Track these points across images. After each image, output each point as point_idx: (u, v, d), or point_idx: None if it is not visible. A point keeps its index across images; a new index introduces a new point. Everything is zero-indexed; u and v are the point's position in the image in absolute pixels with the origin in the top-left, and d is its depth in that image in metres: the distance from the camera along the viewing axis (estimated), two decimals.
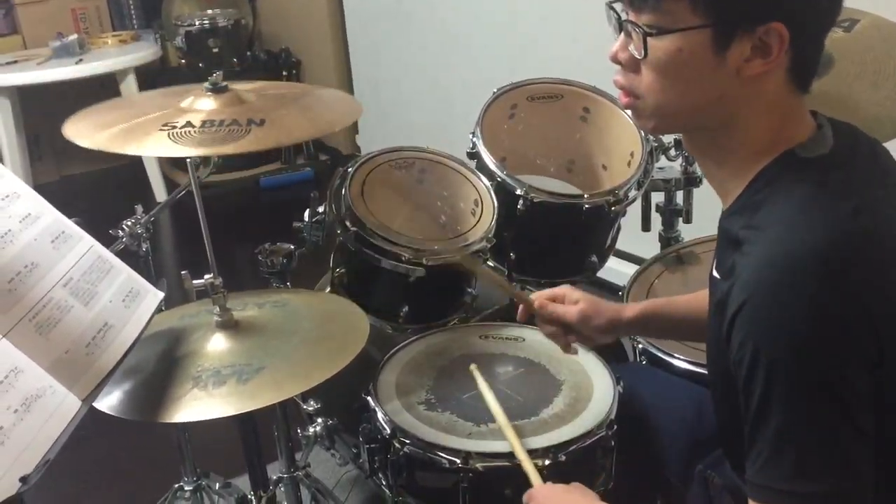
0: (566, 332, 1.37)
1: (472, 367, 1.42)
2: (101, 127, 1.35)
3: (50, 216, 1.13)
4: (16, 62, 3.87)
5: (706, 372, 1.44)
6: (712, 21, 0.88)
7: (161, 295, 1.21)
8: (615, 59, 0.98)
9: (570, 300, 1.35)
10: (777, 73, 0.91)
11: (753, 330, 0.85)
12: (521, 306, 1.41)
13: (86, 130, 1.35)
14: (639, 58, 0.93)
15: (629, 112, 1.80)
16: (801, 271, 0.83)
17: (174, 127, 1.33)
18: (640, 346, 1.60)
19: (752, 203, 0.92)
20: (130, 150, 1.30)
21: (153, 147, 1.31)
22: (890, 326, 0.84)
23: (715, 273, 1.01)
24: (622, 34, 0.96)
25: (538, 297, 1.38)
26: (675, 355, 1.54)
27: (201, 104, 1.43)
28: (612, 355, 1.69)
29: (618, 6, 0.96)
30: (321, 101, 1.59)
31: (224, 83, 1.45)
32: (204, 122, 1.35)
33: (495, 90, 1.87)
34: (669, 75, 0.93)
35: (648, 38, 0.91)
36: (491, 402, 1.33)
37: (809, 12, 0.89)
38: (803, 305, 0.82)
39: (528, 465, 1.20)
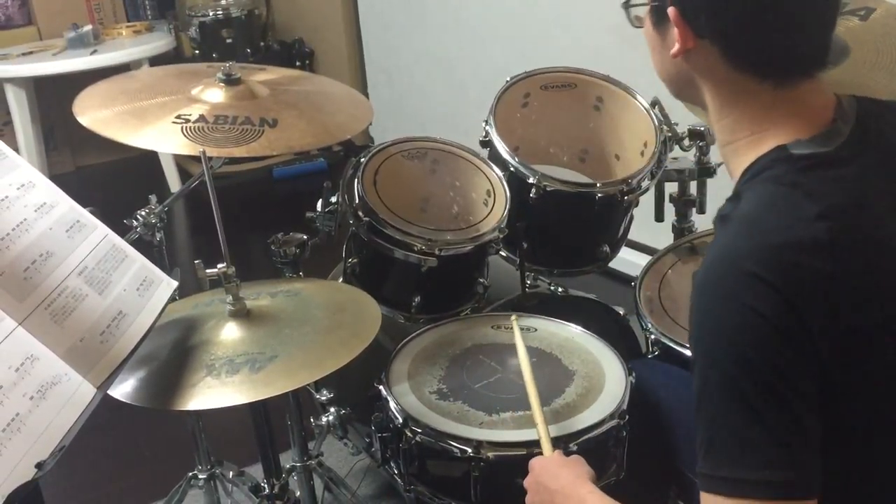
0: None
1: (513, 317, 1.45)
2: (110, 107, 1.37)
3: (65, 205, 1.14)
4: (31, 53, 3.90)
5: None
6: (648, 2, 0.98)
7: (175, 284, 1.22)
8: None
9: None
10: (709, 60, 0.93)
11: (695, 322, 0.87)
12: None
13: (95, 111, 1.36)
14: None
15: (642, 101, 1.81)
16: (740, 274, 0.83)
17: (187, 121, 1.35)
18: (653, 336, 1.60)
19: (736, 194, 0.94)
20: (144, 143, 1.32)
21: (167, 142, 1.33)
22: (833, 338, 0.83)
23: None
24: None
25: None
26: (688, 345, 1.53)
27: (213, 94, 1.44)
28: (625, 348, 1.69)
29: None
30: (334, 102, 1.59)
31: (237, 75, 1.45)
32: (217, 118, 1.36)
33: (508, 79, 1.86)
34: (647, 45, 1.02)
35: (627, 9, 1.03)
36: (523, 358, 1.33)
37: (707, 4, 0.91)
38: (737, 308, 0.83)
39: (543, 432, 1.21)
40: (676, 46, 0.94)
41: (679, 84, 1.01)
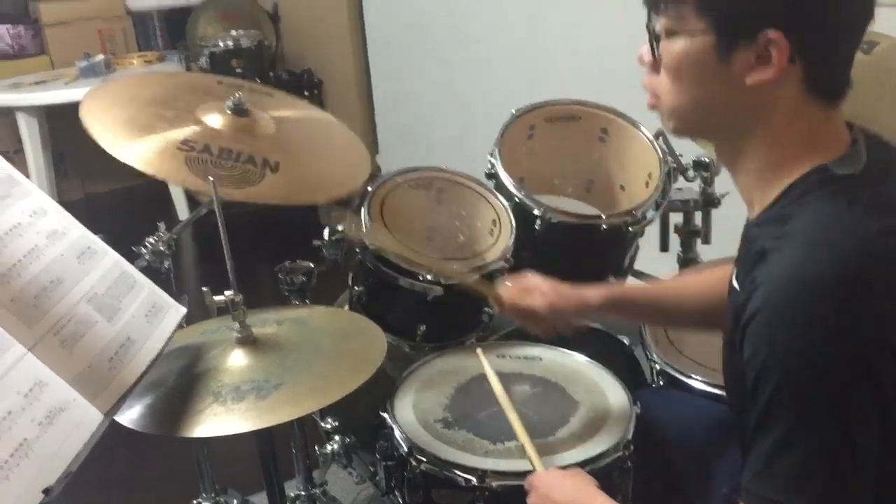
0: (541, 321, 1.42)
1: (478, 350, 1.48)
2: (117, 114, 1.37)
3: (76, 232, 1.15)
4: (43, 82, 3.95)
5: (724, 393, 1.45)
6: (714, 27, 0.91)
7: (183, 310, 1.23)
8: (641, 61, 1.01)
9: (539, 291, 1.40)
10: (789, 84, 0.91)
11: (764, 343, 0.85)
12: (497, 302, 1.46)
13: (103, 115, 1.37)
14: (652, 59, 0.97)
15: (647, 133, 1.82)
16: (816, 292, 0.82)
17: (192, 149, 1.35)
18: (658, 366, 1.60)
19: (780, 216, 0.92)
20: (148, 168, 1.31)
21: (170, 169, 1.33)
22: None
23: (734, 282, 1.01)
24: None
25: (508, 293, 1.43)
26: (693, 376, 1.53)
27: (221, 121, 1.44)
28: (629, 376, 1.69)
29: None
30: (335, 152, 1.60)
31: (246, 107, 1.46)
32: (221, 151, 1.36)
33: (514, 111, 1.88)
34: (680, 78, 0.96)
35: (660, 41, 0.95)
36: (496, 387, 1.38)
37: (815, 22, 0.89)
38: (816, 327, 0.82)
39: (531, 450, 1.22)
40: (761, 71, 0.89)
41: (722, 114, 0.96)
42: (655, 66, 0.98)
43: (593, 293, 1.38)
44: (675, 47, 0.94)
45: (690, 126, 1.02)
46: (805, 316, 0.83)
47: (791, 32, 0.87)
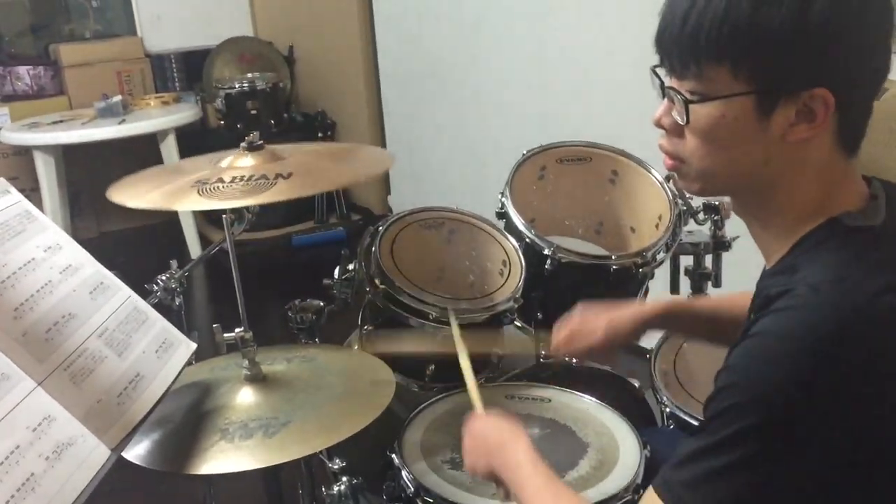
0: (608, 353, 1.39)
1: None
2: (141, 193, 1.39)
3: (90, 268, 1.16)
4: (61, 122, 4.01)
5: None
6: (755, 88, 0.88)
7: (193, 346, 1.23)
8: (659, 124, 0.98)
9: (588, 328, 1.38)
10: (824, 138, 0.90)
11: (738, 366, 0.86)
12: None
13: (127, 195, 1.39)
14: (681, 124, 0.93)
15: (657, 175, 1.82)
16: (797, 338, 0.83)
17: (205, 184, 1.37)
18: (668, 409, 1.59)
19: (790, 266, 0.92)
20: (162, 204, 1.32)
21: (184, 203, 1.34)
22: (888, 421, 0.83)
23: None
24: (665, 99, 0.96)
25: (557, 344, 1.40)
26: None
27: (237, 163, 1.47)
28: (640, 420, 1.67)
29: (661, 70, 0.96)
30: (352, 154, 1.61)
31: (260, 142, 1.48)
32: (234, 178, 1.38)
33: (525, 152, 1.90)
34: (713, 141, 0.92)
35: (690, 105, 0.91)
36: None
37: (855, 77, 0.89)
38: (784, 373, 0.82)
39: (474, 393, 1.25)
40: (803, 128, 0.88)
41: (755, 173, 0.93)
42: (678, 129, 0.95)
43: (650, 307, 1.37)
44: (707, 111, 0.90)
45: (719, 187, 0.99)
46: (775, 362, 0.83)
47: (836, 89, 0.87)
